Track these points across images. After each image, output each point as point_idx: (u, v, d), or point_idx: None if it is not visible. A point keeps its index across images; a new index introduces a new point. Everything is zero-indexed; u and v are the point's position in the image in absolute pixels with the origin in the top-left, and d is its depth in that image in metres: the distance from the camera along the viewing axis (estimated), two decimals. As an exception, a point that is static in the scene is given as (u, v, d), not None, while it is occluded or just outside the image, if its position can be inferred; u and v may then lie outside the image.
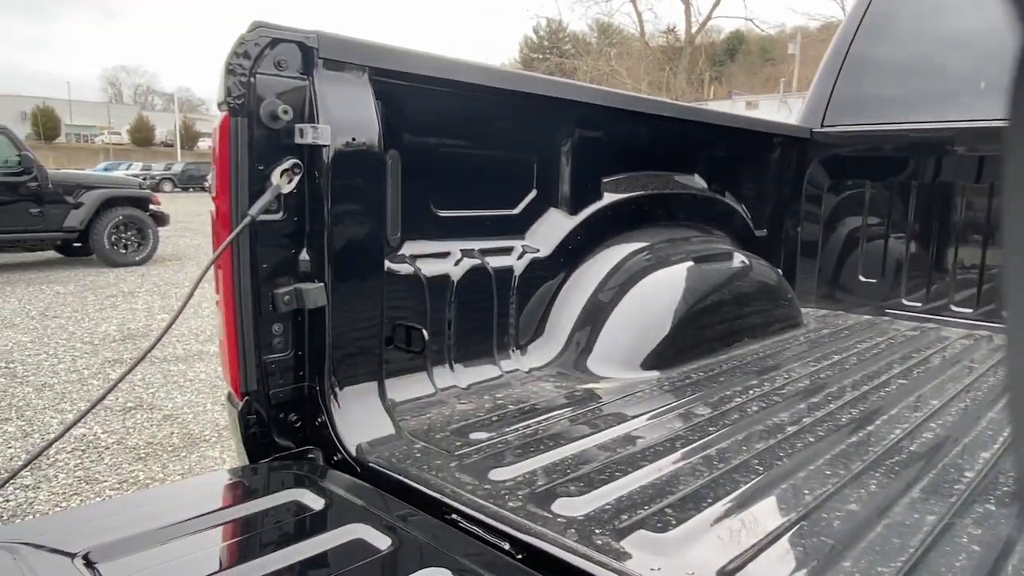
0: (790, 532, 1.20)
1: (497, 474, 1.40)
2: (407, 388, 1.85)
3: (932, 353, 2.54)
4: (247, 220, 1.45)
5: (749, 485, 1.37)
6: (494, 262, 2.09)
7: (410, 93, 1.78)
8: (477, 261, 2.03)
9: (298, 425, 1.62)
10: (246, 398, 1.54)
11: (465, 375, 2.01)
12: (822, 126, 3.36)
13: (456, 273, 1.98)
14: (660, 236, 2.62)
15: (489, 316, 2.10)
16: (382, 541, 1.13)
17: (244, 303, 1.51)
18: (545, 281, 2.27)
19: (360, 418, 1.62)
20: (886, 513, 1.28)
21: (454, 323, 1.98)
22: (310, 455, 1.60)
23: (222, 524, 1.20)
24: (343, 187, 1.57)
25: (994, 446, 1.62)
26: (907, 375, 2.25)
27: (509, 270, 2.14)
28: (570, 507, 1.26)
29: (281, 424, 1.60)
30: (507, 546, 1.17)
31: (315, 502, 1.28)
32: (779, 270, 3.02)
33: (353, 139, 1.58)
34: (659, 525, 1.20)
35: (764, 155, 3.30)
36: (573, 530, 1.18)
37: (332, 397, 1.60)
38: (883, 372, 2.26)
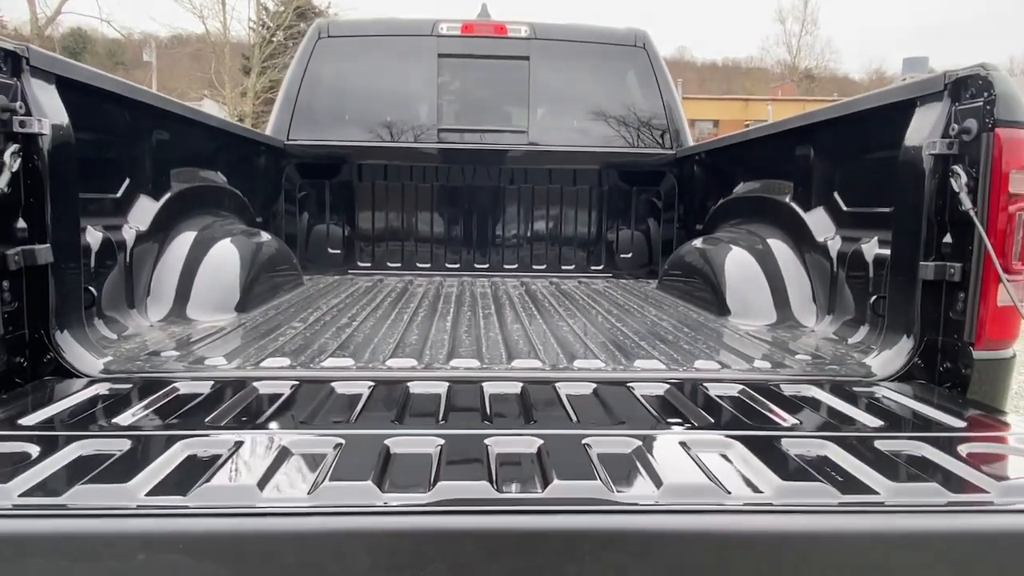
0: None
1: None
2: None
3: (379, 292, 3.98)
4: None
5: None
6: (115, 236, 2.58)
7: (76, 98, 2.21)
8: (104, 235, 2.51)
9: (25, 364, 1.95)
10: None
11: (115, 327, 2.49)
12: (288, 139, 4.53)
13: (95, 243, 2.43)
14: (210, 218, 3.37)
15: (127, 278, 2.61)
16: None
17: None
18: (148, 252, 2.82)
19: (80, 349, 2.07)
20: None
21: (104, 285, 2.44)
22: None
23: None
24: (52, 169, 1.98)
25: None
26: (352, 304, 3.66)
27: (122, 243, 2.64)
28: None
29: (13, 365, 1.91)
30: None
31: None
32: (285, 244, 4.08)
33: (53, 130, 1.99)
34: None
35: (255, 159, 4.27)
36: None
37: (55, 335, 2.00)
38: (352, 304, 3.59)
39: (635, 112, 4.81)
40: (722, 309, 3.23)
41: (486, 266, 4.75)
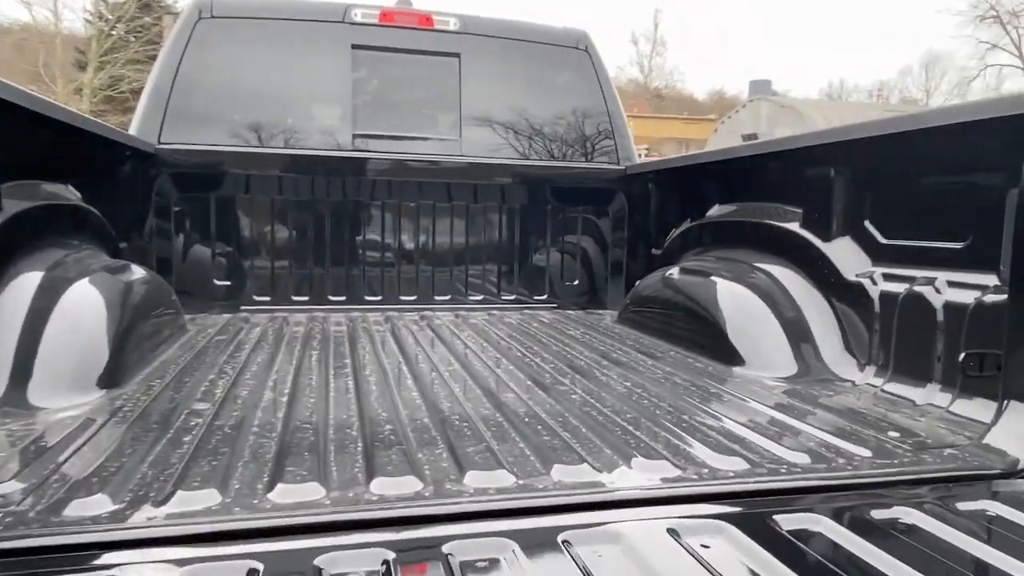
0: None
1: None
2: None
3: (292, 340, 3.10)
4: None
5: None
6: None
7: None
8: None
9: None
10: None
11: None
12: (160, 142, 3.56)
13: None
14: (59, 251, 2.41)
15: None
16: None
17: None
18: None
19: None
20: None
21: None
22: None
23: None
24: None
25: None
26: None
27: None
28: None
29: None
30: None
31: None
32: (163, 279, 3.13)
33: None
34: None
35: (118, 167, 3.28)
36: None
37: None
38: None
39: (579, 122, 4.26)
40: (729, 357, 2.71)
41: (413, 298, 4.00)
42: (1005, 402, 1.82)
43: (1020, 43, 40.04)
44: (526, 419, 1.97)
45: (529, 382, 2.41)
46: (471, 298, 4.08)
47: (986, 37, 42.09)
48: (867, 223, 2.50)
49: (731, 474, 1.57)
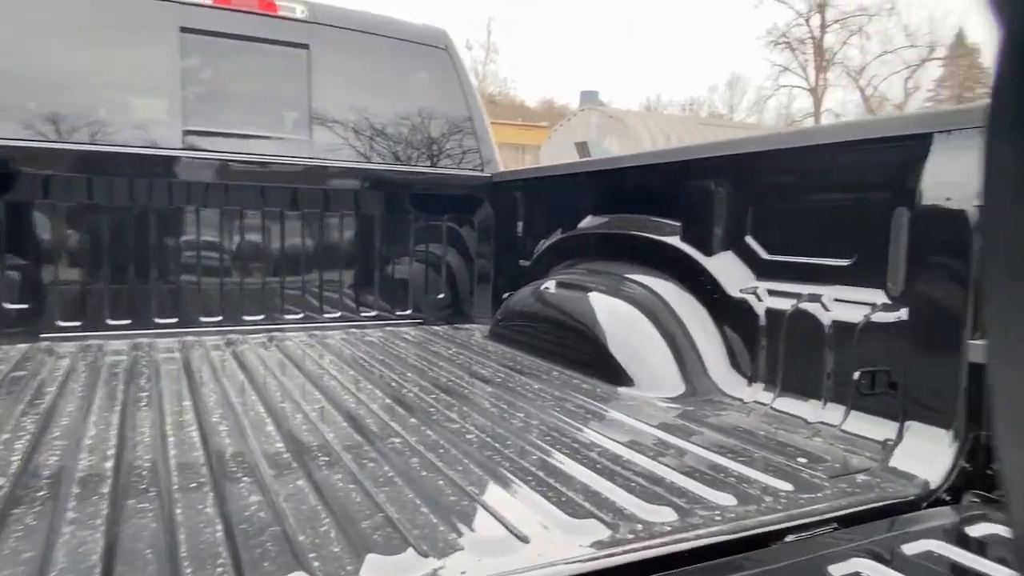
0: None
1: None
2: None
3: (112, 380, 2.54)
4: None
5: None
6: None
7: None
8: None
9: None
10: None
11: None
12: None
13: None
14: None
15: None
16: None
17: None
18: None
19: None
20: None
21: None
22: None
23: None
24: None
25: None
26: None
27: None
28: None
29: None
30: None
31: None
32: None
33: None
34: None
35: None
36: None
37: None
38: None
39: (440, 126, 4.02)
40: (615, 376, 2.61)
41: (260, 317, 3.54)
42: (904, 422, 1.83)
43: (806, 67, 45.31)
44: (421, 472, 1.70)
45: (414, 420, 2.13)
46: (327, 315, 3.70)
47: (779, 61, 47.13)
48: (749, 238, 2.49)
49: (667, 528, 1.41)
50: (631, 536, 1.35)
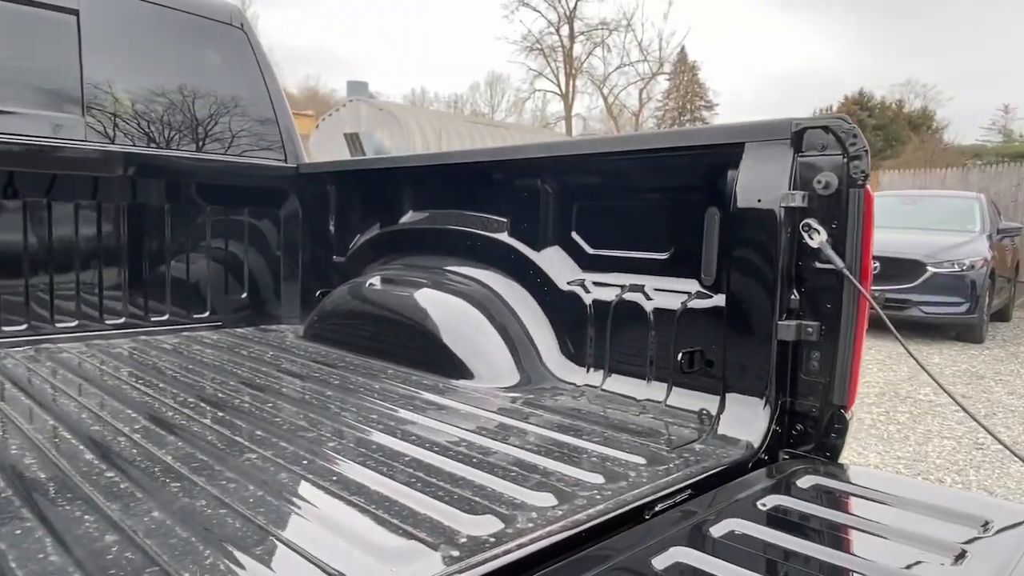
0: None
1: None
2: None
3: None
4: None
5: None
6: None
7: None
8: None
9: None
10: None
11: None
12: None
13: None
14: None
15: None
16: None
17: None
18: None
19: None
20: None
21: None
22: None
23: None
24: None
25: None
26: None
27: None
28: None
29: None
30: None
31: None
32: None
33: None
34: None
35: None
36: None
37: None
38: None
39: (236, 111, 3.70)
40: (452, 370, 2.64)
41: (22, 327, 3.00)
42: (727, 395, 2.10)
43: (558, 73, 48.79)
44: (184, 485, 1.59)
45: (258, 434, 1.97)
46: (108, 322, 3.24)
47: (534, 66, 50.14)
48: (574, 234, 2.67)
49: (560, 512, 1.48)
50: (533, 523, 1.41)
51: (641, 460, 1.80)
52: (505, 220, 2.88)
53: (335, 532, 1.36)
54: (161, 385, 2.40)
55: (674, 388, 2.30)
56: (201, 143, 3.57)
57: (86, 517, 1.34)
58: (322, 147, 22.09)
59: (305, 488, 1.55)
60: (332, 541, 1.31)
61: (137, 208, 3.33)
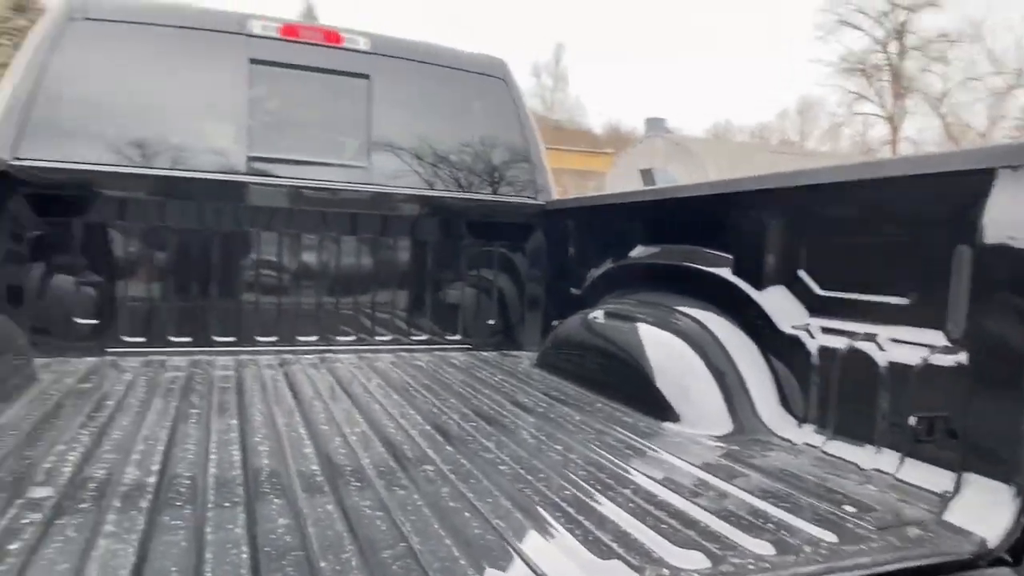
0: None
1: None
2: None
3: (152, 387, 2.71)
4: None
5: None
6: None
7: None
8: None
9: None
10: None
11: None
12: (17, 157, 3.05)
13: None
14: None
15: None
16: None
17: None
18: None
19: None
20: None
21: None
22: None
23: None
24: None
25: None
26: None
27: None
28: None
29: None
30: None
31: None
32: (6, 317, 2.64)
33: None
34: None
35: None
36: None
37: None
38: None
39: (495, 154, 4.06)
40: (660, 411, 2.54)
41: (313, 339, 3.63)
42: (962, 473, 1.71)
43: (882, 95, 43.87)
44: (450, 503, 1.69)
45: (450, 448, 2.13)
46: (377, 339, 3.76)
47: (853, 88, 45.83)
48: (802, 273, 2.41)
49: (695, 575, 1.35)
50: None
51: (832, 536, 1.56)
52: (730, 256, 2.71)
53: (553, 543, 1.49)
54: (443, 397, 2.79)
55: (907, 459, 1.94)
56: (465, 184, 3.98)
57: (364, 501, 1.66)
58: (618, 183, 22.75)
59: (535, 501, 1.71)
60: (547, 550, 1.46)
61: (408, 241, 3.82)
